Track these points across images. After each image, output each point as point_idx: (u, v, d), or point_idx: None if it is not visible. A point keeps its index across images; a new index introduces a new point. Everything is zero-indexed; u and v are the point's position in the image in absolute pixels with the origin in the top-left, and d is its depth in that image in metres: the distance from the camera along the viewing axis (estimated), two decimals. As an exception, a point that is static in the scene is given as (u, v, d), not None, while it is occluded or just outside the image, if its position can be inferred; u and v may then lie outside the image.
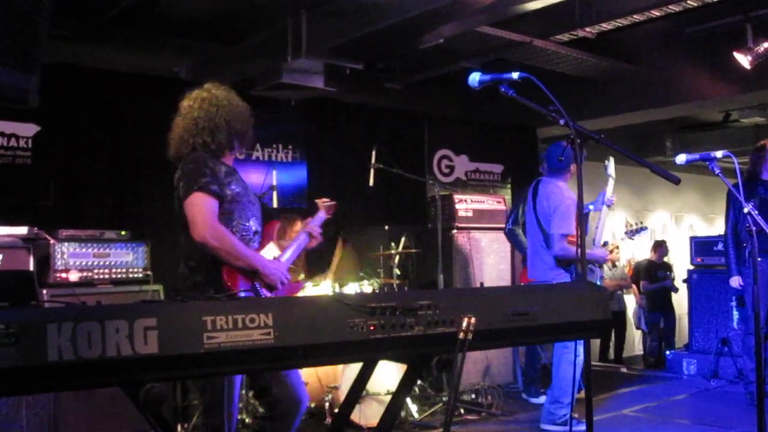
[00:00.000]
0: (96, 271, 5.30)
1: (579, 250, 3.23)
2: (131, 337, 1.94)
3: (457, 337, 2.35)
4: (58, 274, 5.09)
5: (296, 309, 2.21)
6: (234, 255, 3.37)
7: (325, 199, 4.33)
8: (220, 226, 3.38)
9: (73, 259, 5.19)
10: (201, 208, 3.36)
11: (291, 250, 3.80)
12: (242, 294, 3.32)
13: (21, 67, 1.51)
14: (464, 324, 2.35)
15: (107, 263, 5.36)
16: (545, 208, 5.59)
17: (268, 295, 3.49)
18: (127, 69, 7.29)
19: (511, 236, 7.00)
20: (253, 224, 3.61)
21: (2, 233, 4.98)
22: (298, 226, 6.65)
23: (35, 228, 5.14)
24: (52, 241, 5.09)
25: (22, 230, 5.06)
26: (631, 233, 6.88)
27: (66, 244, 5.16)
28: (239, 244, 3.41)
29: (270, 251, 3.71)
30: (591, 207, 5.90)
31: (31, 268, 4.92)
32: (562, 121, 3.28)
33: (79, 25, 6.49)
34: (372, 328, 2.25)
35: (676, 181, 3.20)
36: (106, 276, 5.35)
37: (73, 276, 5.17)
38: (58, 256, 5.11)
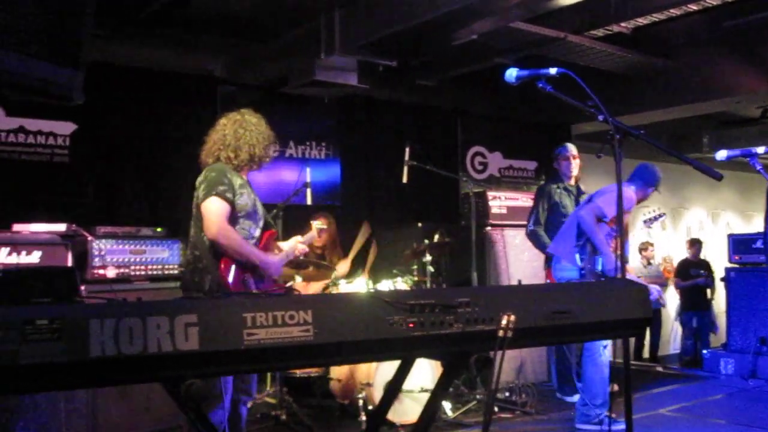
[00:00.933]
0: (132, 267, 5.34)
1: (618, 247, 3.18)
2: (172, 334, 1.95)
3: (496, 335, 2.33)
4: (95, 271, 5.14)
5: (335, 306, 2.21)
6: (238, 251, 3.94)
7: (320, 221, 5.15)
8: (230, 227, 3.95)
9: (110, 255, 5.23)
10: (216, 210, 3.91)
11: (280, 258, 4.34)
12: (229, 279, 3.90)
13: (66, 64, 1.51)
14: (504, 322, 2.33)
15: (143, 260, 5.40)
16: (603, 189, 5.53)
17: (254, 288, 4.01)
18: (163, 67, 7.35)
19: (533, 237, 6.93)
20: (253, 231, 4.14)
21: (41, 230, 5.04)
22: (321, 222, 6.82)
23: (73, 225, 5.19)
24: (89, 238, 5.14)
25: (61, 227, 5.11)
26: (649, 221, 6.77)
27: (103, 240, 5.21)
28: (244, 242, 3.99)
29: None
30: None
31: (70, 264, 4.97)
32: (600, 117, 3.24)
33: (115, 24, 6.55)
34: (411, 325, 2.25)
35: (719, 177, 3.15)
36: (142, 272, 5.39)
37: (111, 272, 5.22)
38: (96, 252, 5.16)
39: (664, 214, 6.61)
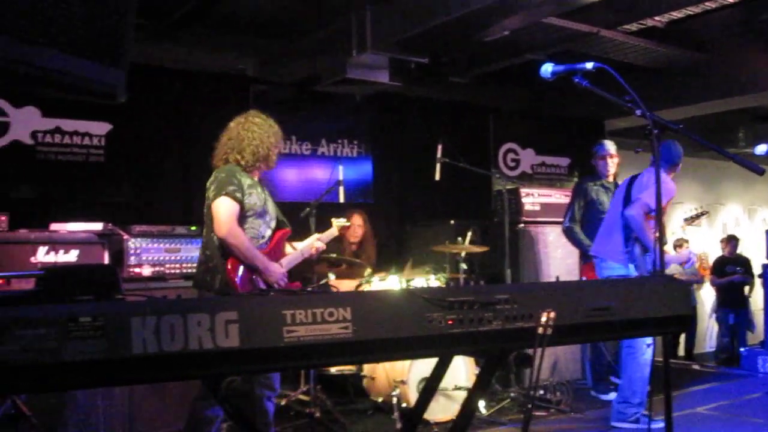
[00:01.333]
0: (167, 265, 5.39)
1: (657, 240, 3.14)
2: (213, 331, 1.96)
3: (535, 332, 2.31)
4: (131, 269, 5.20)
5: (374, 303, 2.21)
6: (243, 253, 4.00)
7: (343, 219, 5.17)
8: (238, 228, 4.03)
9: (146, 254, 5.28)
10: (226, 210, 4.00)
11: (290, 258, 4.43)
12: (237, 279, 3.97)
13: (110, 63, 1.52)
14: (543, 318, 2.31)
15: (178, 258, 5.45)
16: (643, 182, 5.49)
17: (263, 286, 4.06)
18: (195, 67, 7.40)
19: (569, 233, 6.89)
20: (263, 230, 4.21)
21: (78, 229, 5.10)
22: (357, 219, 6.84)
23: (109, 224, 5.25)
24: (125, 237, 5.20)
25: (97, 226, 5.18)
26: (691, 219, 6.66)
27: (139, 239, 5.26)
28: (250, 245, 4.04)
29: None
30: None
31: (106, 263, 5.03)
32: (638, 112, 3.20)
33: (148, 25, 6.61)
34: (450, 322, 2.23)
35: (761, 172, 3.10)
36: (177, 271, 5.43)
37: (146, 271, 5.27)
38: (132, 251, 5.21)
39: (707, 211, 6.49)
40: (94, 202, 6.46)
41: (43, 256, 4.75)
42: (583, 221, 6.77)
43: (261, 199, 4.20)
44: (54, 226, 5.12)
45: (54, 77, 1.42)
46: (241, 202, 4.05)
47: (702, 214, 6.55)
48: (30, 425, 4.00)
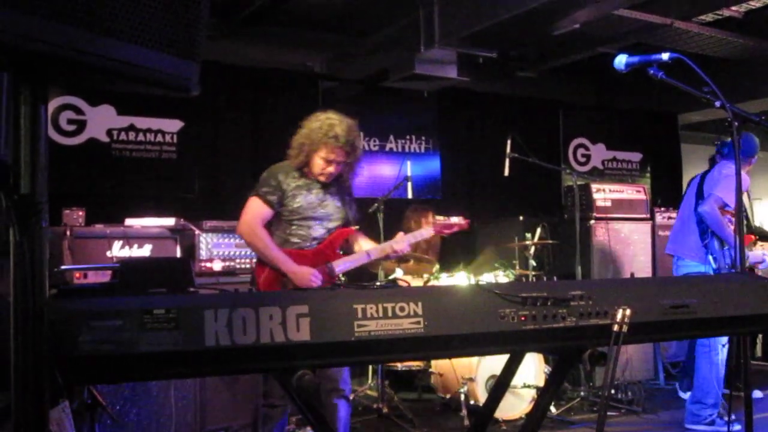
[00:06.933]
0: (237, 260, 5.45)
1: (736, 234, 3.04)
2: (284, 324, 1.96)
3: (611, 330, 2.25)
4: (202, 264, 5.28)
5: (445, 298, 2.18)
6: (262, 253, 3.96)
7: (448, 219, 4.61)
8: (258, 228, 3.97)
9: (217, 249, 5.36)
10: (250, 210, 4.01)
11: (350, 259, 4.18)
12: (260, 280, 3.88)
13: (183, 55, 1.52)
14: (619, 316, 2.25)
15: (248, 253, 5.50)
16: (715, 177, 5.36)
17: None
18: (265, 65, 7.48)
19: None
20: (315, 231, 4.09)
21: (151, 224, 5.21)
22: (431, 218, 6.72)
23: (181, 219, 5.34)
24: (197, 232, 5.28)
25: (170, 221, 5.27)
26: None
27: (210, 234, 5.33)
28: (269, 247, 3.93)
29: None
30: None
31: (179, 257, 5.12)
32: (717, 103, 3.09)
33: (218, 23, 6.70)
34: (523, 318, 2.19)
35: None
36: (247, 265, 5.49)
37: (217, 265, 5.34)
38: (203, 246, 5.29)
39: None
40: (166, 198, 6.61)
41: (118, 250, 4.86)
42: None
43: (313, 201, 4.06)
44: (128, 221, 5.24)
45: (126, 69, 1.43)
46: (272, 205, 4.00)
47: None
48: (105, 415, 4.09)
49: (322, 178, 4.08)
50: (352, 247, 4.32)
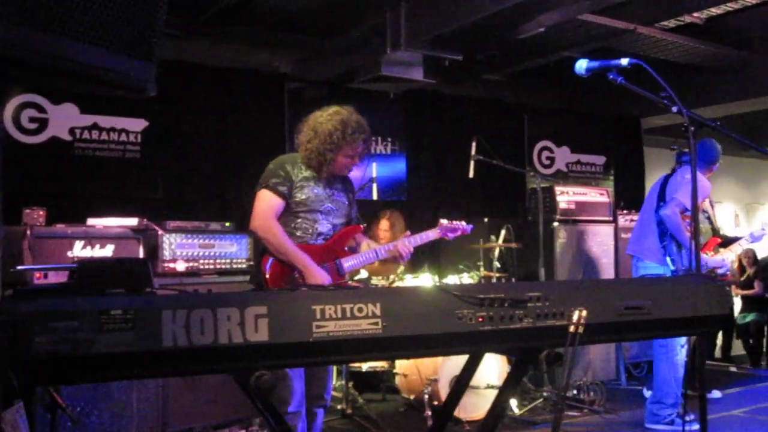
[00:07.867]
0: (201, 261, 5.42)
1: (692, 239, 3.10)
2: (242, 325, 1.97)
3: (567, 331, 2.29)
4: (165, 264, 5.23)
5: (404, 299, 2.20)
6: (277, 249, 3.77)
7: (453, 223, 4.59)
8: (273, 222, 3.81)
9: (180, 249, 5.32)
10: (262, 203, 3.84)
11: (358, 257, 4.09)
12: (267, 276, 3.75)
13: (139, 56, 1.52)
14: (575, 317, 2.28)
15: (212, 254, 5.48)
16: (678, 181, 5.45)
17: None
18: (230, 64, 7.45)
19: None
20: (321, 226, 3.95)
21: (114, 224, 5.16)
22: (384, 224, 6.73)
23: (144, 219, 5.30)
24: (160, 232, 5.24)
25: (132, 221, 5.23)
26: (757, 238, 6.48)
27: (173, 235, 5.29)
28: (286, 242, 3.78)
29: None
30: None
31: (140, 257, 5.07)
32: (674, 109, 3.14)
33: (183, 23, 6.66)
34: (480, 319, 2.22)
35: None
36: (211, 266, 5.46)
37: (180, 266, 5.31)
38: (166, 246, 5.25)
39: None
40: (129, 198, 6.55)
41: (79, 250, 4.80)
42: None
43: (320, 194, 3.94)
44: (90, 221, 5.18)
45: (81, 70, 1.43)
46: (284, 196, 3.84)
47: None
48: (65, 417, 4.05)
49: (345, 172, 4.06)
50: (359, 246, 4.24)
